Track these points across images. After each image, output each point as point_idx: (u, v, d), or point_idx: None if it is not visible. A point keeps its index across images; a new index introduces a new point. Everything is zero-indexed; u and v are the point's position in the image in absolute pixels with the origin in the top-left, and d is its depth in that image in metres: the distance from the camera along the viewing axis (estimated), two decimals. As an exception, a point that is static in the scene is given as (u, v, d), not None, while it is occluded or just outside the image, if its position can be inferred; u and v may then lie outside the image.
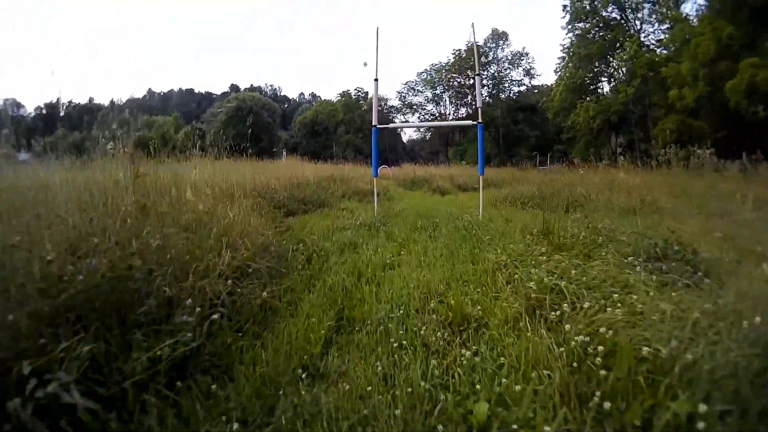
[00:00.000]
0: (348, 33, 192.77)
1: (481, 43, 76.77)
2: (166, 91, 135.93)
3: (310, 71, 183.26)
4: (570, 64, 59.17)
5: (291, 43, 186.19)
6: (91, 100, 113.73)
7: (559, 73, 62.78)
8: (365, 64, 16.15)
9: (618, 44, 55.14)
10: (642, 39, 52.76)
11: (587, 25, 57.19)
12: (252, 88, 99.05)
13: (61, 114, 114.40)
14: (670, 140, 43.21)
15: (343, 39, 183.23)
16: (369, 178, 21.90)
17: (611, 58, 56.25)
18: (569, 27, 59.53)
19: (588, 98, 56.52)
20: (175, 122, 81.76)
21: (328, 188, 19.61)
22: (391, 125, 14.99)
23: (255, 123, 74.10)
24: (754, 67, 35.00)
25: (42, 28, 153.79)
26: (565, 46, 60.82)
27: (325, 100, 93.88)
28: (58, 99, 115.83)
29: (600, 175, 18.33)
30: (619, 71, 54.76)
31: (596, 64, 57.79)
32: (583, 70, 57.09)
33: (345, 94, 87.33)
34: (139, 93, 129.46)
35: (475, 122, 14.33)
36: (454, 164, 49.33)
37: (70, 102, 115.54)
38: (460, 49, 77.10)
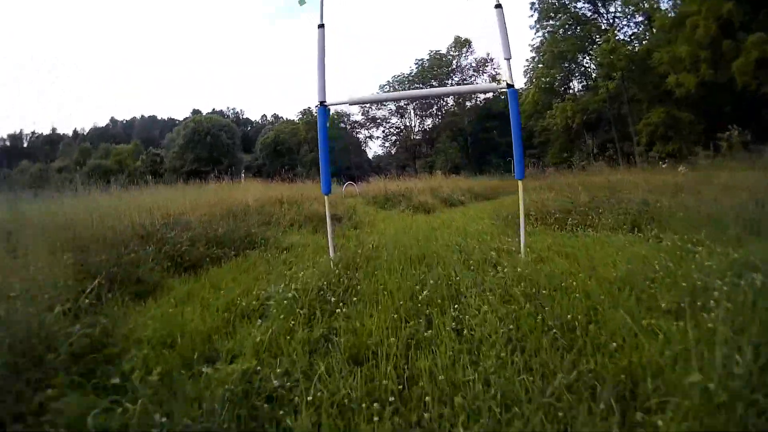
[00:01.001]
0: (307, 50, 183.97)
1: (443, 51, 72.78)
2: (128, 118, 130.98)
3: (271, 93, 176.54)
4: (541, 64, 54.34)
5: (250, 66, 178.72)
6: (54, 130, 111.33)
7: (530, 74, 58.32)
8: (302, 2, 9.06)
9: (590, 40, 51.34)
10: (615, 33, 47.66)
11: (558, 22, 52.56)
12: (214, 112, 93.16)
13: (25, 145, 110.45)
14: (659, 135, 38.58)
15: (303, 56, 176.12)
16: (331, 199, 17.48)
17: (586, 55, 51.55)
18: (538, 26, 55.15)
19: (562, 98, 52.44)
20: (136, 149, 75.81)
21: (271, 215, 14.58)
22: (352, 99, 8.58)
23: (213, 145, 69.03)
24: (762, 43, 29.99)
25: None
26: (534, 46, 56.42)
27: (286, 120, 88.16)
28: (20, 130, 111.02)
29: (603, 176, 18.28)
30: (597, 67, 49.75)
31: (569, 62, 52.88)
32: (557, 68, 52.00)
33: (306, 112, 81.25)
34: (102, 122, 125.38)
35: (500, 86, 8.21)
36: (423, 176, 42.95)
37: (33, 133, 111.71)
38: (422, 59, 72.83)
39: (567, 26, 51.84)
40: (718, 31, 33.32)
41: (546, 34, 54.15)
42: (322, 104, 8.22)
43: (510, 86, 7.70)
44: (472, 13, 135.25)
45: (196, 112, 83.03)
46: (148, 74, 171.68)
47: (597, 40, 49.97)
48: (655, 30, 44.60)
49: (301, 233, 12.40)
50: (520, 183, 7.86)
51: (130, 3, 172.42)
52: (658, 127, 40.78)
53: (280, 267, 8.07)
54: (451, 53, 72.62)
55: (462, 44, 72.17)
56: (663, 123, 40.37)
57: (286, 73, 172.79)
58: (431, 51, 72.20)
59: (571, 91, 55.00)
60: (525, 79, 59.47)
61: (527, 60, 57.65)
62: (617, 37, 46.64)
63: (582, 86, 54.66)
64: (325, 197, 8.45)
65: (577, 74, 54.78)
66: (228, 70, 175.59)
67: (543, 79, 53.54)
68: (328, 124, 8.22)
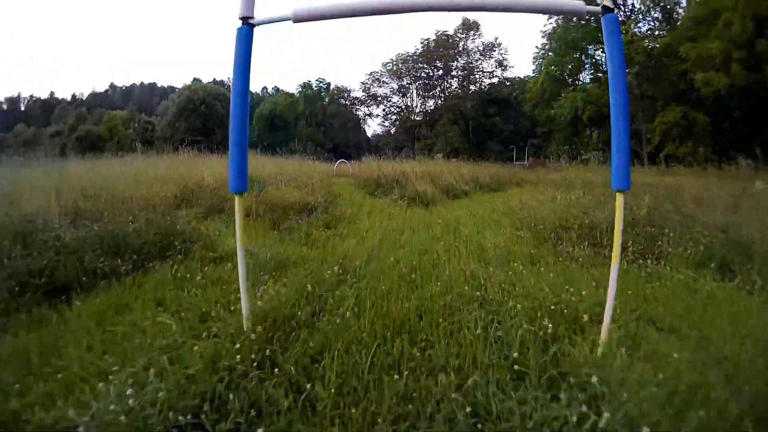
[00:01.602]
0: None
1: (450, 32, 68.50)
2: (128, 85, 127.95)
3: (274, 66, 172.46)
4: (551, 52, 50.86)
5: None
6: (52, 94, 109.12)
7: (539, 61, 54.15)
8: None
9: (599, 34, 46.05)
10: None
11: None
12: (214, 82, 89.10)
13: (22, 108, 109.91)
14: (673, 135, 35.28)
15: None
16: (307, 180, 17.14)
17: (600, 45, 47.55)
18: None
19: (572, 88, 48.49)
20: (130, 116, 72.23)
21: (227, 199, 11.08)
22: (298, 13, 4.41)
23: (208, 115, 65.51)
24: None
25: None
26: (546, 32, 52.32)
27: (284, 92, 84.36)
28: (19, 93, 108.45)
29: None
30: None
31: (581, 51, 49.10)
32: (569, 56, 48.20)
33: (306, 86, 77.82)
34: (101, 87, 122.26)
35: (591, 6, 4.33)
36: (422, 159, 38.03)
37: (31, 96, 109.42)
38: (428, 39, 68.67)
39: None
40: (754, 30, 29.90)
41: (559, 21, 50.07)
42: (247, 22, 4.49)
43: (608, 10, 4.12)
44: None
45: (196, 80, 79.33)
46: (150, 39, 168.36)
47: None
48: (680, 22, 41.27)
49: (255, 230, 9.08)
50: (619, 197, 4.02)
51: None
52: (672, 127, 37.57)
53: (159, 325, 4.54)
54: (458, 35, 68.65)
55: (470, 26, 68.53)
56: (678, 123, 37.16)
57: (290, 48, 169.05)
58: (438, 31, 68.46)
59: (579, 82, 50.83)
60: (533, 67, 56.20)
61: (537, 47, 54.25)
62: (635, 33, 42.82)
63: (591, 78, 50.33)
64: (236, 198, 4.50)
65: (587, 65, 50.71)
66: (230, 39, 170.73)
67: (552, 67, 49.93)
68: (251, 52, 4.45)
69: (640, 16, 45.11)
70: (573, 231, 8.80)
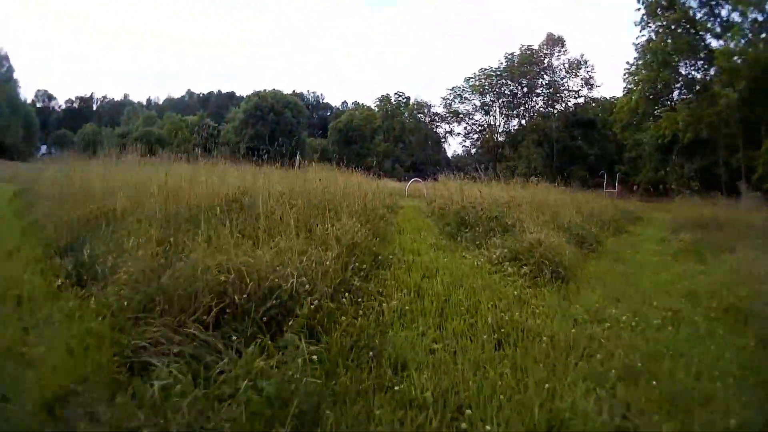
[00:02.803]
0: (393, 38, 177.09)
1: (535, 47, 64.91)
2: (205, 92, 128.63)
3: (355, 79, 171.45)
4: (644, 69, 44.95)
5: (337, 52, 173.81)
6: (125, 96, 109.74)
7: (630, 78, 48.47)
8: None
9: (703, 43, 42.26)
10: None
11: (665, 21, 42.81)
12: (294, 94, 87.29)
13: (94, 108, 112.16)
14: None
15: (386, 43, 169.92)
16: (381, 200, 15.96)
17: (697, 59, 42.57)
18: (644, 22, 45.03)
19: (671, 107, 42.96)
20: (199, 122, 70.53)
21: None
22: None
23: (276, 123, 62.91)
24: None
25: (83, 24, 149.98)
26: (639, 45, 46.32)
27: (361, 104, 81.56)
28: (92, 93, 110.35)
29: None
30: (716, 73, 39.06)
31: (676, 65, 43.80)
32: (667, 70, 42.67)
33: (384, 99, 74.38)
34: (177, 93, 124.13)
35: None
36: (506, 181, 32.64)
37: (104, 97, 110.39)
38: (513, 53, 64.80)
39: (679, 23, 42.24)
40: None
41: (653, 34, 44.41)
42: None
43: None
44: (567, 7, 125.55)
45: (284, 96, 77.75)
46: (235, 51, 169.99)
47: (710, 43, 41.44)
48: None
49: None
50: None
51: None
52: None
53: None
54: (543, 51, 64.73)
55: (555, 42, 64.56)
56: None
57: (373, 60, 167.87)
58: (522, 45, 64.66)
59: (668, 103, 45.47)
60: (623, 84, 50.74)
61: (627, 63, 48.95)
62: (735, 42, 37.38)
63: (680, 97, 45.17)
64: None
65: (680, 81, 45.15)
66: (315, 53, 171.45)
67: (647, 83, 44.13)
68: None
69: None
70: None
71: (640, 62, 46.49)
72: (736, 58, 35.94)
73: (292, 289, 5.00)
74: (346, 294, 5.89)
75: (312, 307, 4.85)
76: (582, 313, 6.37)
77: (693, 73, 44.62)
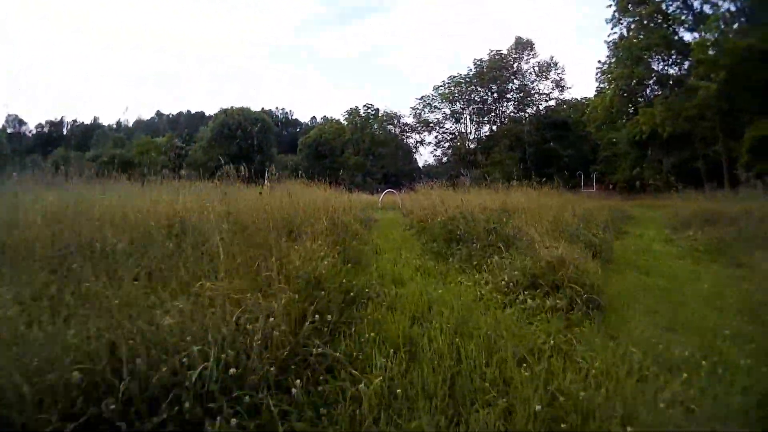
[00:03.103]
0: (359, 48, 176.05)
1: (504, 52, 63.36)
2: (174, 113, 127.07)
3: (323, 94, 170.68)
4: (617, 66, 43.70)
5: (304, 68, 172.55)
6: (95, 119, 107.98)
7: (601, 77, 48.07)
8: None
9: (677, 37, 41.28)
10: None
11: (641, 13, 41.48)
12: (263, 111, 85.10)
13: (65, 132, 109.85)
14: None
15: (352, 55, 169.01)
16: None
17: (672, 53, 41.83)
18: (616, 18, 44.24)
19: (648, 102, 41.77)
20: (168, 143, 68.16)
21: None
22: None
23: (244, 140, 61.11)
24: None
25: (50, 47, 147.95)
26: (611, 42, 45.31)
27: (330, 118, 79.39)
28: (62, 117, 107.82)
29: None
30: (694, 65, 37.25)
31: (652, 60, 42.98)
32: (640, 66, 41.48)
33: (353, 112, 72.61)
34: (147, 115, 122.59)
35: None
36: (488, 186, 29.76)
37: (74, 121, 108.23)
38: (482, 59, 63.11)
39: (651, 18, 41.27)
40: None
41: (624, 30, 43.69)
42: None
43: None
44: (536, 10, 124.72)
45: (252, 112, 75.55)
46: (204, 70, 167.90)
47: (683, 37, 40.82)
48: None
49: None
50: None
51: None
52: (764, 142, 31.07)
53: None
54: (512, 55, 63.32)
55: (524, 46, 63.27)
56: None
57: (340, 75, 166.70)
58: (491, 50, 63.08)
59: (642, 99, 44.33)
60: (597, 83, 50.20)
61: (600, 62, 47.95)
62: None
63: (652, 93, 44.16)
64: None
65: (653, 77, 43.96)
66: (281, 70, 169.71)
67: (621, 81, 42.81)
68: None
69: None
70: None
71: (613, 60, 45.46)
72: (712, 49, 34.82)
73: (205, 382, 3.00)
74: (301, 372, 3.83)
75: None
76: (642, 358, 4.38)
77: (667, 68, 43.65)
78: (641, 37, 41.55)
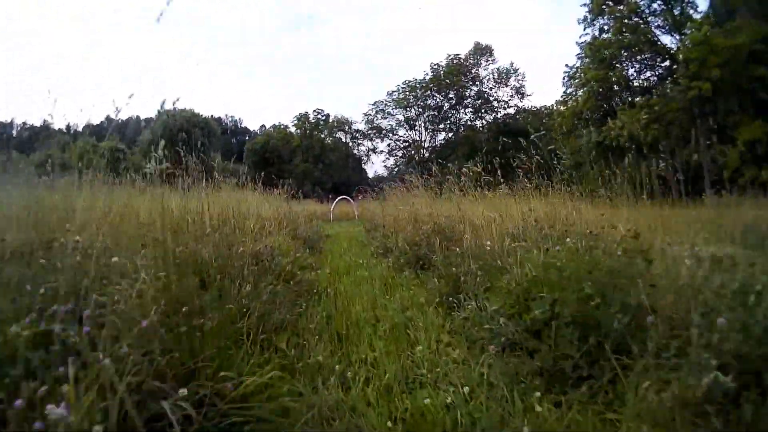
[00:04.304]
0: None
1: (462, 57, 59.16)
2: (124, 118, 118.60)
3: (274, 104, 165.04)
4: (591, 67, 39.56)
5: (253, 76, 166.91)
6: (44, 122, 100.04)
7: (568, 83, 44.18)
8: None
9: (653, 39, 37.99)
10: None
11: (616, 12, 37.98)
12: (212, 118, 79.72)
13: (13, 134, 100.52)
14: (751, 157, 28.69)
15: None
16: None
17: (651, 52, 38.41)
18: (587, 21, 40.83)
19: (631, 105, 37.03)
20: (108, 146, 62.27)
21: None
22: None
23: (186, 144, 55.55)
24: None
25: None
26: (584, 43, 41.47)
27: (279, 125, 73.30)
28: (12, 119, 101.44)
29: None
30: (682, 65, 33.18)
31: (629, 62, 39.62)
32: (615, 70, 37.93)
33: (302, 117, 67.04)
34: (97, 120, 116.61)
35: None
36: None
37: (23, 123, 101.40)
38: (439, 63, 58.71)
39: (629, 17, 37.82)
40: None
41: (597, 31, 40.35)
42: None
43: None
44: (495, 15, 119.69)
45: (195, 115, 69.86)
46: (150, 76, 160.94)
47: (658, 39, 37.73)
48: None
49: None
50: None
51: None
52: (754, 145, 28.76)
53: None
54: (470, 61, 59.12)
55: (482, 51, 59.16)
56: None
57: (288, 84, 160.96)
58: (449, 55, 58.69)
59: (617, 103, 39.68)
60: (563, 89, 45.54)
61: (567, 65, 44.23)
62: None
63: (626, 98, 39.45)
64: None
65: (632, 79, 40.65)
66: (232, 78, 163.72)
67: (595, 83, 38.67)
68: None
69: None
70: None
71: (586, 60, 41.38)
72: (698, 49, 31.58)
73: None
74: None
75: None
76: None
77: (645, 69, 40.59)
78: (621, 37, 37.88)
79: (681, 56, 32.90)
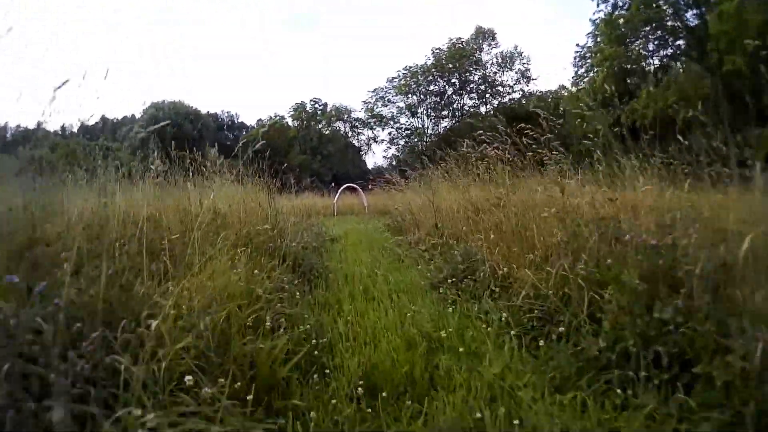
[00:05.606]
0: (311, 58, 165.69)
1: (465, 40, 55.82)
2: (120, 118, 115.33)
3: (271, 99, 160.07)
4: (606, 44, 36.00)
5: (251, 71, 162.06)
6: (39, 124, 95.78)
7: (579, 63, 41.12)
8: None
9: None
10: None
11: None
12: (209, 114, 76.11)
13: (8, 137, 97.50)
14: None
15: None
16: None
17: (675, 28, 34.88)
18: None
19: (657, 83, 33.76)
20: (98, 146, 58.68)
21: None
22: None
23: (176, 138, 51.85)
24: None
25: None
26: (598, 20, 37.63)
27: (274, 115, 69.40)
28: (6, 123, 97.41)
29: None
30: (710, 38, 30.42)
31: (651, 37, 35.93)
32: (637, 45, 34.39)
33: (299, 107, 63.11)
34: (93, 120, 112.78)
35: None
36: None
37: (17, 126, 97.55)
38: (440, 48, 55.18)
39: None
40: None
41: (611, 7, 36.19)
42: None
43: None
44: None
45: (183, 106, 66.07)
46: (149, 74, 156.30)
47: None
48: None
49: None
50: None
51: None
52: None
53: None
54: (472, 45, 55.59)
55: (485, 35, 55.71)
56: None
57: (286, 79, 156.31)
58: (451, 38, 55.10)
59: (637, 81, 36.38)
60: (573, 70, 42.43)
61: (578, 45, 40.71)
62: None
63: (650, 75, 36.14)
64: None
65: (653, 55, 37.52)
66: (229, 73, 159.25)
67: (614, 60, 35.18)
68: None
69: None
70: None
71: (599, 39, 37.90)
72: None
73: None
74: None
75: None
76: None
77: (665, 46, 37.18)
78: (641, 9, 34.13)
79: (711, 30, 29.60)
